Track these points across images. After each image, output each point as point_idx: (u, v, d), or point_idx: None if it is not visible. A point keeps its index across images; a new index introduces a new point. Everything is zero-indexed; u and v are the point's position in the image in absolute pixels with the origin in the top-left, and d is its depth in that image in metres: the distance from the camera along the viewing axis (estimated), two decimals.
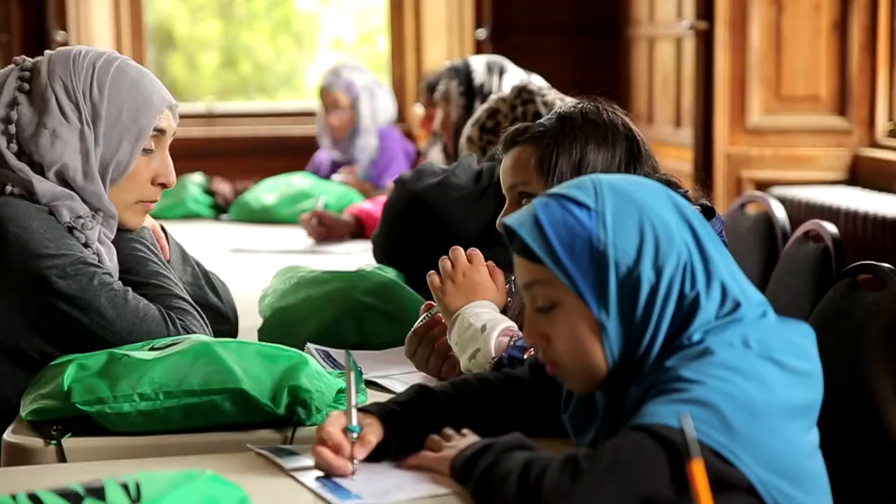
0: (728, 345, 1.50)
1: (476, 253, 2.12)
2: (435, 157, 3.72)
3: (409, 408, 1.71)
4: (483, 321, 2.01)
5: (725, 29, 4.72)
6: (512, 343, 1.97)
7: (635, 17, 5.68)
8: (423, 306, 2.18)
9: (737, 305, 1.55)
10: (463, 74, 3.49)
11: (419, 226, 2.80)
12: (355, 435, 1.64)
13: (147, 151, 2.14)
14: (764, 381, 1.47)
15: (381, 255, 2.94)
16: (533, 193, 2.04)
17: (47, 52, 2.14)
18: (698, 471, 1.24)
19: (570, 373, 1.58)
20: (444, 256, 2.12)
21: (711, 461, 1.41)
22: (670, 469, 1.41)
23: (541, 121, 2.11)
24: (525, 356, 1.95)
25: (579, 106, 2.10)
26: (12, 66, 2.13)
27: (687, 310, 1.54)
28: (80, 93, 2.08)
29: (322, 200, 4.05)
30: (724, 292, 1.56)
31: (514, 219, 1.59)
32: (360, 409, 1.68)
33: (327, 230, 3.80)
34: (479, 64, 3.52)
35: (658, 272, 1.53)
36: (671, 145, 5.16)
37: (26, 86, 2.09)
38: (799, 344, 1.54)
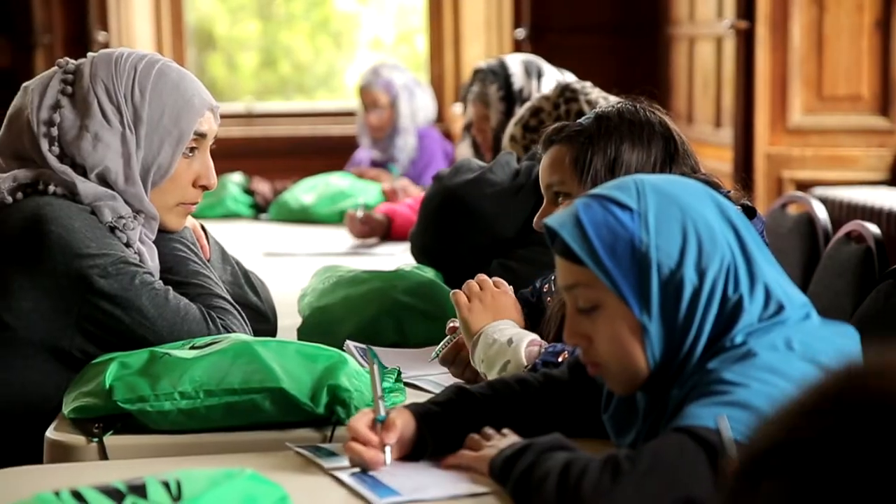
0: (771, 347, 1.49)
1: (502, 281, 2.15)
2: (464, 152, 3.70)
3: (446, 408, 1.71)
4: (508, 335, 2.02)
5: (766, 28, 4.69)
6: (543, 350, 1.97)
7: (675, 17, 5.65)
8: (448, 328, 2.18)
9: (780, 308, 1.54)
10: (501, 78, 3.46)
11: (454, 221, 2.79)
12: (381, 425, 1.65)
13: (188, 154, 2.15)
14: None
15: (417, 252, 2.93)
16: (568, 193, 2.05)
17: (90, 54, 2.15)
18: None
19: (612, 373, 1.58)
20: (470, 280, 2.13)
21: None
22: (711, 471, 1.40)
23: (579, 120, 2.11)
24: (560, 359, 1.94)
25: (617, 105, 2.10)
26: (56, 68, 2.14)
27: (730, 312, 1.53)
28: (122, 96, 2.09)
29: (363, 200, 4.08)
30: (768, 295, 1.54)
31: (556, 219, 1.58)
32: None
33: (370, 230, 3.82)
34: (516, 67, 3.49)
35: (701, 274, 1.52)
36: (711, 145, 5.13)
37: (69, 88, 2.10)
38: (842, 345, 1.53)
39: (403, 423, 1.67)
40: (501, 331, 2.04)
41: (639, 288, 1.52)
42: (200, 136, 2.15)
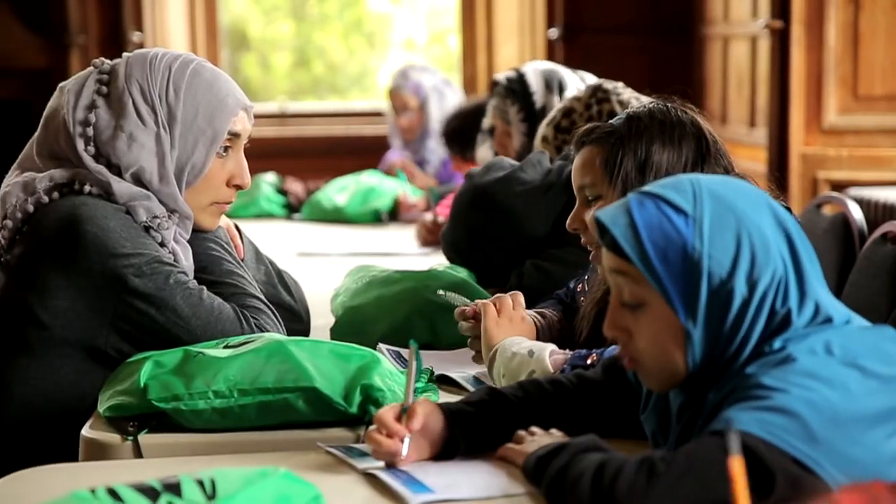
0: (810, 352, 1.48)
1: (519, 294, 2.18)
2: (484, 154, 3.66)
3: (478, 408, 1.71)
4: (526, 347, 2.02)
5: (801, 28, 4.66)
6: (569, 355, 1.97)
7: (710, 16, 5.63)
8: (457, 312, 2.20)
9: (828, 321, 1.52)
10: (521, 98, 3.35)
11: (483, 218, 2.78)
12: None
13: (222, 154, 2.15)
14: (847, 389, 1.44)
15: (447, 250, 2.92)
16: (600, 195, 2.04)
17: (125, 54, 2.16)
18: (738, 469, 1.22)
19: (648, 371, 1.57)
20: (493, 298, 2.15)
21: (793, 470, 1.39)
22: (748, 476, 1.39)
23: (610, 121, 2.11)
24: (589, 361, 1.94)
25: (648, 105, 2.09)
26: (91, 68, 2.15)
27: (777, 325, 1.51)
28: (157, 96, 2.10)
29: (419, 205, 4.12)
30: (817, 310, 1.53)
31: (608, 215, 1.55)
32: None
33: (434, 237, 3.79)
34: (536, 83, 3.36)
35: (752, 286, 1.50)
36: (745, 145, 5.11)
37: (104, 89, 2.11)
38: (883, 348, 1.51)
39: (427, 413, 1.67)
40: (518, 344, 2.04)
41: (687, 294, 1.50)
42: (234, 135, 2.16)
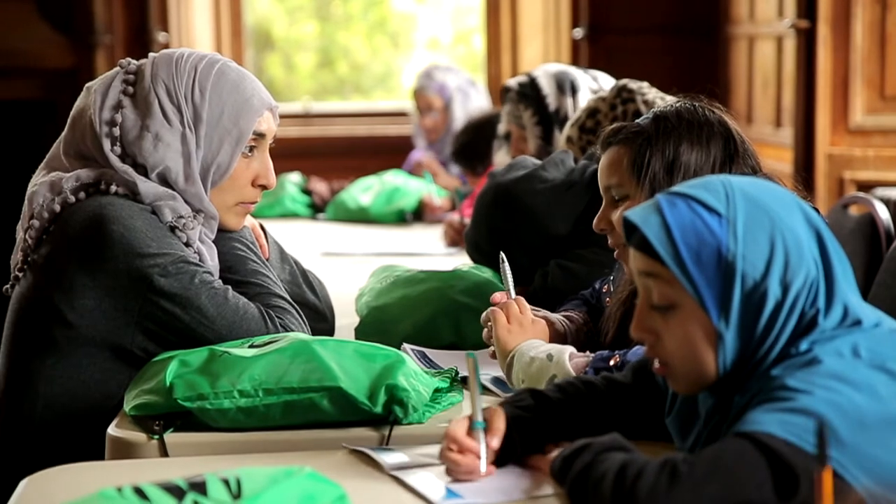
0: (837, 354, 1.47)
1: (521, 298, 2.18)
2: (501, 160, 3.64)
3: (530, 411, 1.69)
4: (544, 351, 2.01)
5: (828, 27, 4.63)
6: (591, 358, 1.96)
7: (735, 16, 5.60)
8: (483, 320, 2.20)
9: (857, 323, 1.51)
10: (534, 102, 3.32)
11: (504, 217, 2.76)
12: (482, 431, 1.63)
13: (247, 154, 2.16)
14: (875, 392, 1.43)
15: (470, 249, 2.92)
16: (627, 195, 2.04)
17: (151, 54, 2.17)
18: (826, 481, 1.21)
19: (677, 374, 1.56)
20: (511, 301, 2.15)
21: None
22: (772, 479, 1.38)
23: (637, 121, 2.10)
24: (611, 363, 1.93)
25: (676, 105, 2.08)
26: (118, 68, 2.16)
27: (805, 326, 1.50)
28: (182, 96, 2.10)
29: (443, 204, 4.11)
30: (846, 312, 1.52)
31: (639, 215, 1.54)
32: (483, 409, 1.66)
33: (460, 237, 3.78)
34: (549, 86, 3.32)
35: (785, 289, 1.49)
36: (771, 145, 5.09)
37: (130, 89, 2.12)
38: None
39: (504, 425, 1.65)
40: (536, 348, 2.03)
41: (720, 296, 1.49)
42: (259, 135, 2.16)
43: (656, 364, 1.57)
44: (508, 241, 2.73)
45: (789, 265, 1.49)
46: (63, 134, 2.17)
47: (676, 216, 1.51)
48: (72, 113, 2.16)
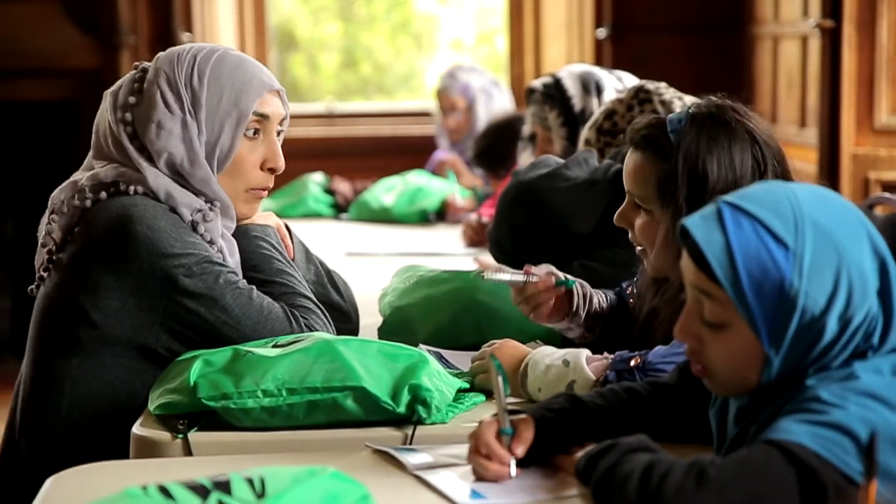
0: (876, 371, 1.45)
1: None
2: (526, 162, 3.64)
3: (562, 416, 1.68)
4: (559, 357, 1.98)
5: (853, 27, 4.61)
6: (610, 360, 1.95)
7: (759, 16, 5.58)
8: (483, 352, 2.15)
9: None
10: (559, 102, 3.31)
11: (526, 214, 2.75)
12: (510, 438, 1.62)
13: (251, 136, 2.16)
14: None
15: (492, 248, 2.91)
16: (650, 210, 2.02)
17: (159, 53, 2.19)
18: (872, 494, 1.20)
19: (717, 380, 1.53)
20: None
21: (848, 489, 1.37)
22: (799, 489, 1.37)
23: (670, 118, 2.02)
24: (632, 363, 1.91)
25: (707, 115, 1.99)
26: (132, 72, 2.18)
27: (856, 356, 1.47)
28: (182, 83, 2.12)
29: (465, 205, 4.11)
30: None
31: (700, 230, 1.48)
32: (510, 412, 1.66)
33: (480, 237, 3.79)
34: (573, 87, 3.31)
35: (844, 325, 1.45)
36: (796, 146, 5.06)
37: (138, 86, 2.14)
38: None
39: (532, 435, 1.64)
40: (548, 355, 2.00)
41: (775, 326, 1.45)
42: (262, 116, 2.16)
43: (696, 366, 1.54)
44: (530, 239, 2.72)
45: (851, 302, 1.45)
46: (92, 142, 2.20)
47: (741, 240, 1.45)
48: (95, 121, 2.19)
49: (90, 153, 2.20)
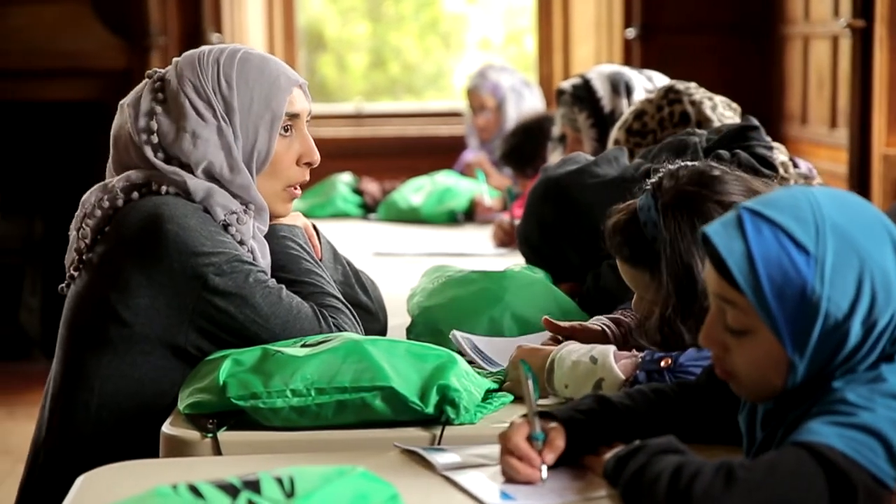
0: None
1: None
2: (555, 161, 3.62)
3: (591, 417, 1.67)
4: (586, 353, 1.96)
5: (884, 27, 4.58)
6: (640, 360, 1.94)
7: (790, 16, 5.56)
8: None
9: None
10: (588, 104, 3.29)
11: (554, 211, 2.74)
12: (540, 443, 1.62)
13: (285, 134, 2.17)
14: None
15: (521, 245, 2.90)
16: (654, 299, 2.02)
17: (174, 59, 2.19)
18: None
19: (742, 385, 1.53)
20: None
21: (878, 492, 1.37)
22: (829, 491, 1.36)
23: (641, 218, 2.02)
24: (662, 364, 1.90)
25: (679, 212, 1.95)
26: (146, 80, 2.18)
27: (882, 359, 1.47)
28: (211, 90, 2.12)
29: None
30: None
31: (721, 238, 1.47)
32: (541, 414, 1.66)
33: (510, 238, 3.78)
34: (603, 88, 3.29)
35: (868, 330, 1.45)
36: (826, 146, 5.04)
37: (160, 95, 2.14)
38: None
39: (564, 443, 1.63)
40: (575, 352, 1.99)
41: (799, 332, 1.45)
42: (293, 115, 2.17)
43: (720, 371, 1.54)
44: (557, 235, 2.71)
45: (875, 306, 1.44)
46: (110, 156, 2.20)
47: (762, 247, 1.45)
48: (111, 133, 2.19)
49: (110, 165, 2.18)
